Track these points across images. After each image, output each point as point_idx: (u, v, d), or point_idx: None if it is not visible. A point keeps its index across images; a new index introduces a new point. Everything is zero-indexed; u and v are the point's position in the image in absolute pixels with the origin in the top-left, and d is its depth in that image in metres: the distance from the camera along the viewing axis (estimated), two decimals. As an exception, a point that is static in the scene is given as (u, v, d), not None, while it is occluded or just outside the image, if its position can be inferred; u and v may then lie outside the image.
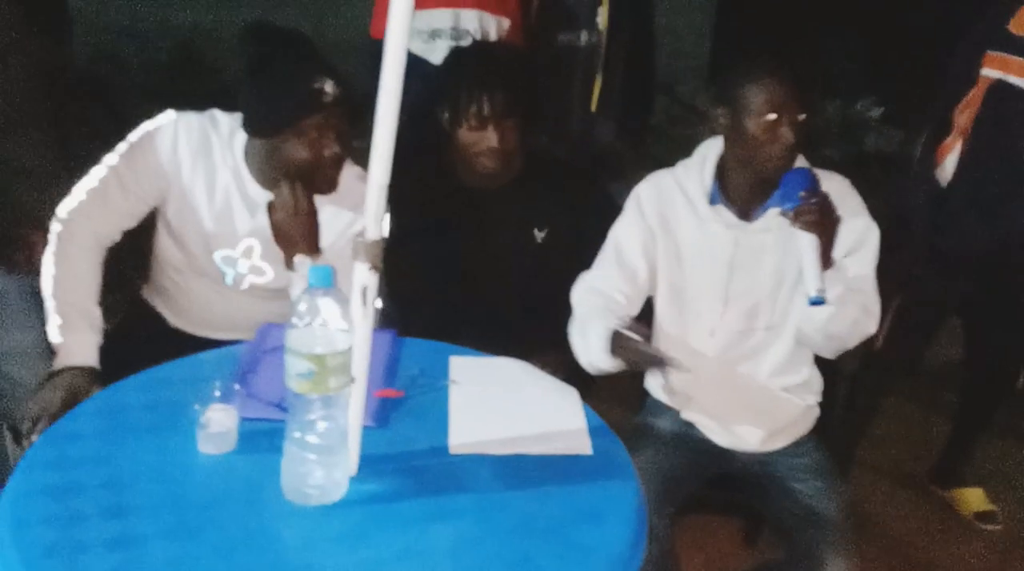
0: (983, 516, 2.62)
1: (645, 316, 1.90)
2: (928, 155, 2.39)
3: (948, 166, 2.34)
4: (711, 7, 6.40)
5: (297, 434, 1.21)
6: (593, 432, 1.45)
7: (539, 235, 2.02)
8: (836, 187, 1.72)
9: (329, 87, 1.64)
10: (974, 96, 2.26)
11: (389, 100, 1.14)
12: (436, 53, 2.67)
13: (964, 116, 2.29)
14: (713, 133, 1.78)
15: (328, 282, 1.18)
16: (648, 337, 1.60)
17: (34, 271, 1.76)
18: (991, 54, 2.22)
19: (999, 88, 2.21)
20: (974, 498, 2.66)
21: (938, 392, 3.04)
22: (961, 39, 2.34)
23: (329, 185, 1.75)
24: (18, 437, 1.76)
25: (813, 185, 1.60)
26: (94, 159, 1.82)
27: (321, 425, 1.21)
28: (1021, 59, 2.18)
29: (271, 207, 1.72)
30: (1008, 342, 2.52)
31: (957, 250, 2.36)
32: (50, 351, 1.69)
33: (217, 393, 1.34)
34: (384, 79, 1.15)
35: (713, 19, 6.41)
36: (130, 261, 1.97)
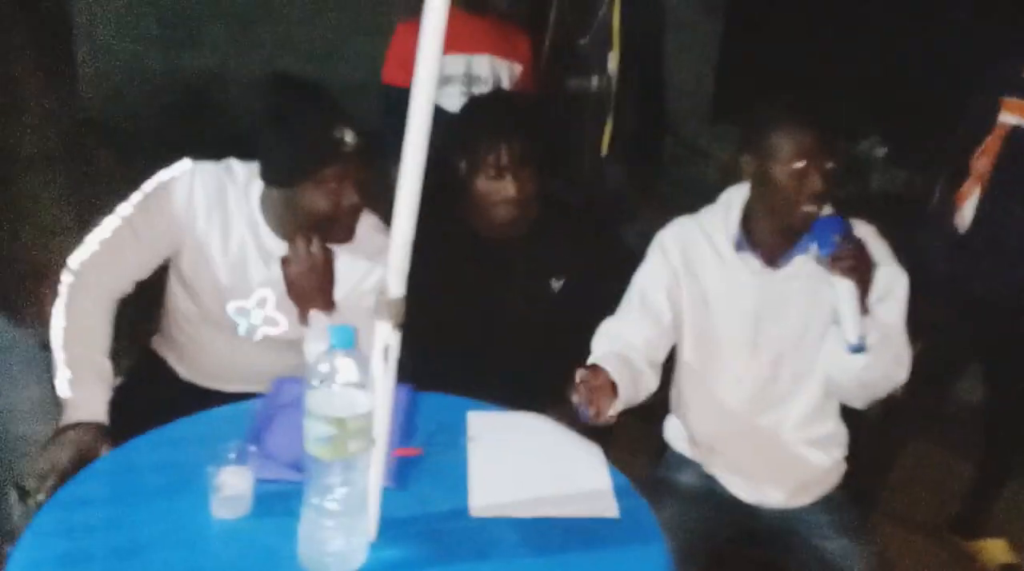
0: (1007, 569, 2.55)
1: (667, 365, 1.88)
2: (945, 201, 2.37)
3: (966, 212, 2.32)
4: (714, 48, 6.43)
5: (315, 500, 1.17)
6: (618, 492, 1.40)
7: (555, 285, 1.99)
8: (864, 234, 1.70)
9: (348, 136, 1.63)
10: (991, 142, 2.25)
11: (415, 157, 1.12)
12: (447, 99, 2.67)
13: (981, 162, 2.28)
14: (725, 175, 1.76)
15: (350, 344, 1.14)
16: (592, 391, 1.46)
17: (43, 323, 1.73)
18: (1008, 100, 2.22)
19: (1017, 134, 2.20)
20: (997, 550, 2.59)
21: (960, 439, 2.98)
22: (977, 84, 2.34)
23: (346, 235, 1.73)
24: (24, 495, 1.72)
25: (847, 230, 1.58)
26: (105, 208, 1.80)
27: (340, 490, 1.17)
28: None
29: (285, 261, 1.69)
30: None
31: (977, 295, 2.33)
32: (58, 406, 1.65)
33: (232, 455, 1.30)
34: (409, 135, 1.12)
35: (716, 60, 6.44)
36: (139, 311, 1.94)
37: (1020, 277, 2.28)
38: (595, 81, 2.97)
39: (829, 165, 1.60)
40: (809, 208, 1.61)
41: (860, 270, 1.55)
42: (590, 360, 1.61)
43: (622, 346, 1.71)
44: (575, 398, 1.46)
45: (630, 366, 1.66)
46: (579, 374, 1.47)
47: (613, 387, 1.49)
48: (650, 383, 1.71)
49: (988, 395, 2.59)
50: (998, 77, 2.27)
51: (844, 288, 1.55)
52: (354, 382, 1.15)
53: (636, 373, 1.66)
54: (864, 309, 1.57)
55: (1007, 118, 2.22)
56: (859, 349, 1.55)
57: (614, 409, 1.51)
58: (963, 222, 2.32)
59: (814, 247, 1.59)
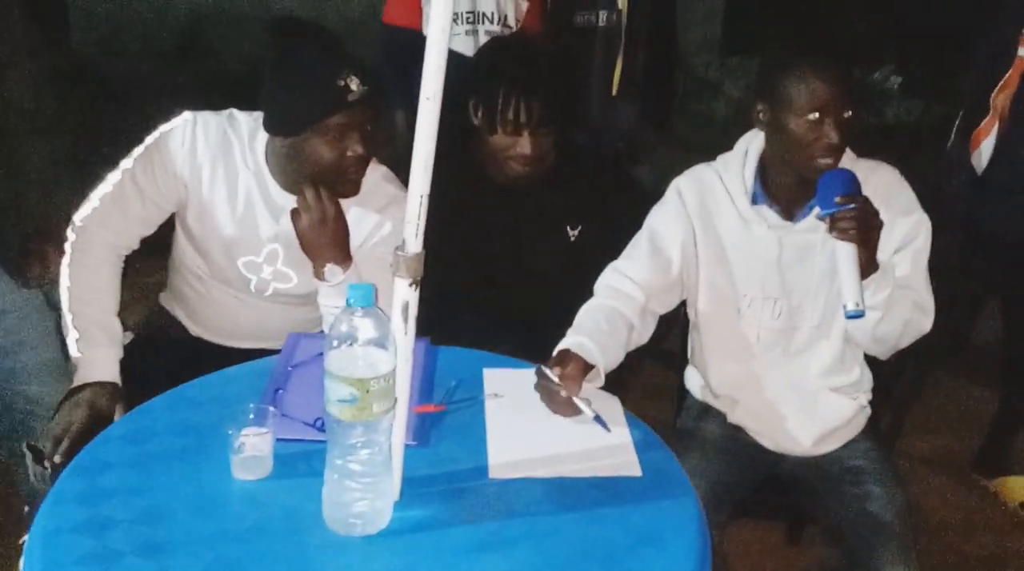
0: (1029, 505, 2.55)
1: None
2: (963, 140, 2.30)
3: (984, 151, 2.25)
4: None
5: (339, 462, 1.14)
6: (644, 445, 1.38)
7: (572, 233, 1.93)
8: (885, 180, 1.63)
9: (355, 84, 1.56)
10: (1011, 77, 2.17)
11: (431, 106, 1.06)
12: (454, 39, 2.58)
13: (1000, 98, 2.20)
14: (736, 111, 1.69)
15: (369, 302, 1.10)
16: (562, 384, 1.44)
17: (50, 282, 1.69)
18: None
19: None
20: (1019, 486, 2.59)
21: (981, 376, 2.95)
22: (996, 19, 2.25)
23: (353, 188, 1.67)
24: (39, 457, 1.70)
25: (851, 189, 1.49)
26: (108, 162, 1.75)
27: (363, 452, 1.14)
28: None
29: (295, 214, 1.63)
30: None
31: (995, 235, 2.28)
32: (70, 367, 1.63)
33: (251, 416, 1.27)
34: (425, 84, 1.07)
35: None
36: (147, 266, 1.90)
37: None
38: (604, 17, 2.88)
39: (846, 115, 1.52)
40: (825, 161, 1.53)
41: (862, 232, 1.46)
42: (563, 344, 1.54)
43: (617, 300, 1.66)
44: (541, 389, 1.45)
45: (622, 321, 1.63)
46: (551, 364, 1.45)
47: (586, 367, 1.48)
48: (642, 336, 1.68)
49: (1005, 333, 2.56)
50: (1017, 10, 2.18)
51: (843, 251, 1.47)
52: (374, 339, 1.11)
53: (625, 330, 1.62)
54: (869, 271, 1.49)
55: None
56: (857, 315, 1.47)
57: (598, 380, 1.51)
58: (980, 162, 2.25)
59: (817, 203, 1.52)
